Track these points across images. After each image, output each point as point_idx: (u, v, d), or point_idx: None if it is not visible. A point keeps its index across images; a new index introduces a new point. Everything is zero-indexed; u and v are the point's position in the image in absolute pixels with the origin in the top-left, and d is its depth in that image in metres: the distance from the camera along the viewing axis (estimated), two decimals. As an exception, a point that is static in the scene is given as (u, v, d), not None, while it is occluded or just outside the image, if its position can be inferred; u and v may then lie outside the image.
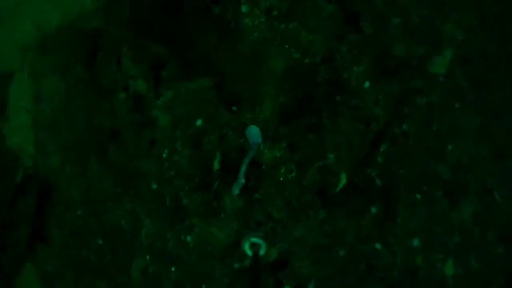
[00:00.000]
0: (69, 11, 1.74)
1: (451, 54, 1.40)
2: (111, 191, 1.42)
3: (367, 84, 1.25)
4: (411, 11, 1.33)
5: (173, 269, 1.28)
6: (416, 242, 1.24)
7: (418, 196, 1.26)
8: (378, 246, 1.20)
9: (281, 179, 1.22)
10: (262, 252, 1.39)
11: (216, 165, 1.23)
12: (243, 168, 1.27)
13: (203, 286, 1.24)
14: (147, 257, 1.32)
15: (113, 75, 1.38)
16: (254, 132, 1.35)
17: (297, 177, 1.22)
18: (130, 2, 1.42)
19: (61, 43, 1.71)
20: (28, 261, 1.68)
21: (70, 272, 1.55)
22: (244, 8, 1.27)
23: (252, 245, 1.41)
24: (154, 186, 1.28)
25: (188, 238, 1.26)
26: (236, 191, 1.34)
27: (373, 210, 1.21)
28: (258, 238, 1.38)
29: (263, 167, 1.22)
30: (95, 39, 1.55)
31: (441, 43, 1.40)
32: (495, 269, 1.35)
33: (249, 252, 1.40)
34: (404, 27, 1.27)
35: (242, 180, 1.32)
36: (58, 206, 1.59)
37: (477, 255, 1.32)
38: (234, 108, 1.24)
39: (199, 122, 1.24)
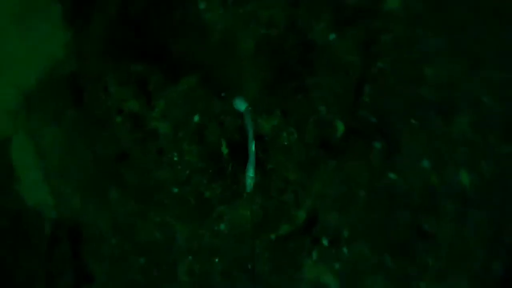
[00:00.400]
0: (44, 66, 1.80)
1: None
2: (136, 210, 1.50)
3: (332, 36, 1.34)
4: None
5: (216, 260, 1.36)
6: (426, 163, 1.32)
7: (413, 121, 1.34)
8: (392, 176, 1.29)
9: (286, 143, 1.31)
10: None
11: (225, 150, 1.32)
12: (251, 145, 1.34)
13: (249, 266, 1.33)
14: (189, 257, 1.40)
15: (105, 104, 1.46)
16: (238, 101, 1.40)
17: (298, 137, 1.31)
18: (98, 34, 1.49)
19: (45, 96, 1.79)
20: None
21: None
22: (201, 5, 1.36)
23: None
24: (175, 190, 1.36)
25: (222, 227, 1.35)
26: (251, 173, 1.37)
27: (377, 145, 1.30)
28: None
29: (266, 138, 1.31)
30: (76, 80, 1.63)
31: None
32: (508, 171, 1.44)
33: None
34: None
35: (253, 157, 1.36)
36: (92, 243, 1.65)
37: (486, 160, 1.41)
38: (223, 94, 1.32)
39: (196, 118, 1.33)
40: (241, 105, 1.39)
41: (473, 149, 1.41)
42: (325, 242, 1.29)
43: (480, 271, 1.32)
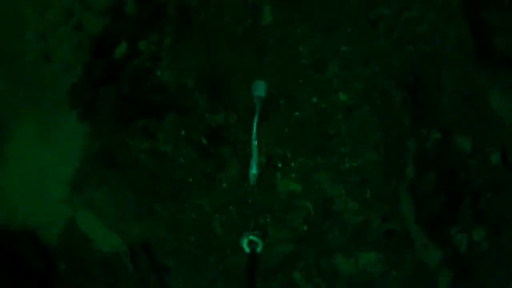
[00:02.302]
0: (76, 156, 2.31)
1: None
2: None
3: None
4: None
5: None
6: (315, 99, 2.24)
7: (300, 81, 2.25)
8: (297, 114, 2.22)
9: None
10: (259, 249, 1.61)
11: (204, 141, 2.24)
12: (254, 129, 1.79)
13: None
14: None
15: (128, 153, 2.29)
16: (260, 86, 1.84)
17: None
18: (107, 115, 2.39)
19: (87, 173, 2.28)
20: None
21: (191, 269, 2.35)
22: (158, 73, 2.33)
23: (250, 242, 1.62)
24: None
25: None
26: (254, 170, 1.83)
27: (282, 102, 2.23)
28: (255, 237, 1.63)
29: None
30: (104, 151, 2.36)
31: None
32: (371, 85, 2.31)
33: (247, 249, 1.62)
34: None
35: (255, 142, 1.77)
36: (158, 247, 2.37)
37: (356, 82, 2.31)
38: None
39: (183, 132, 2.25)
40: (260, 90, 1.84)
41: (344, 79, 2.31)
42: (279, 165, 2.16)
43: (377, 141, 2.21)
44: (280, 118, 2.09)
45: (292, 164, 2.04)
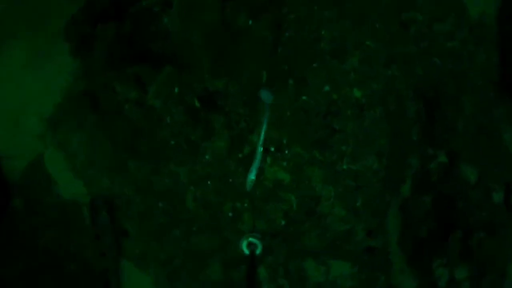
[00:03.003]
0: (59, 92, 2.19)
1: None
2: (150, 170, 2.13)
3: (250, 22, 2.06)
4: None
5: (209, 182, 2.05)
6: (327, 88, 2.03)
7: (315, 65, 2.05)
8: (305, 98, 1.99)
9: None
10: (258, 251, 1.68)
11: (197, 104, 2.01)
12: (262, 135, 1.75)
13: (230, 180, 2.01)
14: (192, 188, 2.07)
15: (115, 100, 2.13)
16: (265, 95, 1.76)
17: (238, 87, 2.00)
18: (100, 55, 2.17)
19: (67, 112, 2.23)
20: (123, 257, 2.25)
21: (151, 238, 2.16)
22: (165, 20, 2.08)
23: (249, 244, 1.70)
24: (172, 142, 2.05)
25: (207, 157, 2.04)
26: (252, 176, 1.76)
27: (291, 82, 1.98)
28: (255, 239, 1.71)
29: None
30: (89, 92, 2.25)
31: None
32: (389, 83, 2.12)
33: (246, 251, 1.69)
34: None
35: (260, 149, 1.74)
36: (122, 207, 2.22)
37: (373, 79, 2.11)
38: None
39: (176, 90, 2.03)
40: (267, 97, 1.76)
41: (362, 75, 2.10)
42: (272, 149, 1.96)
43: (382, 148, 2.02)
44: (285, 98, 1.85)
45: (286, 151, 1.85)
